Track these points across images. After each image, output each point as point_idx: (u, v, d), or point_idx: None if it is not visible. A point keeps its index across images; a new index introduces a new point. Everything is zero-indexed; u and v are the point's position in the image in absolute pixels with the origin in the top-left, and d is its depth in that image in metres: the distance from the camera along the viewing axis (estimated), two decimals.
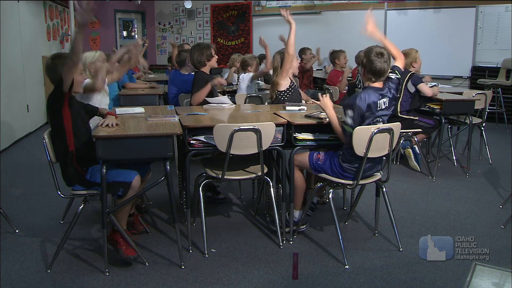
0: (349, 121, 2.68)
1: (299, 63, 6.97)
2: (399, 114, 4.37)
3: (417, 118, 4.42)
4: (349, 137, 2.69)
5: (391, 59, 2.74)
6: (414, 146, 4.59)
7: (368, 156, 2.66)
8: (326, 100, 2.86)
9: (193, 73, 4.64)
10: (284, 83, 3.62)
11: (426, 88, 4.36)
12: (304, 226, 3.11)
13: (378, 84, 2.75)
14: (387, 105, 2.75)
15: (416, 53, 4.45)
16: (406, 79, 4.35)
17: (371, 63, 2.68)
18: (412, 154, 4.62)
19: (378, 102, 2.70)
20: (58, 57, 2.59)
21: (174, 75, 4.60)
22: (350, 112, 2.67)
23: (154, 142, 2.53)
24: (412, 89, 4.37)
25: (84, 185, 2.62)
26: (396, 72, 2.86)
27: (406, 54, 4.42)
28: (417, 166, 4.59)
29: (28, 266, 2.66)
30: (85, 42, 10.98)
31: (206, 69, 3.77)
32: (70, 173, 2.60)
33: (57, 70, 2.51)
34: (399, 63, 2.93)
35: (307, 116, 3.01)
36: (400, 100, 4.38)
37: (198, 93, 3.64)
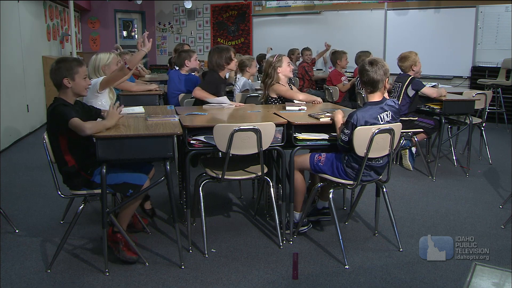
0: (344, 137, 2.70)
1: (302, 63, 7.06)
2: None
3: (416, 118, 4.42)
4: (342, 149, 2.74)
5: (386, 68, 2.72)
6: (413, 147, 4.59)
7: (369, 156, 2.66)
8: (336, 112, 2.90)
9: (193, 73, 4.64)
10: (273, 94, 3.68)
11: (430, 91, 4.34)
12: (305, 227, 3.10)
13: (378, 96, 2.75)
14: (390, 118, 2.75)
15: (416, 56, 4.41)
16: (406, 83, 4.34)
17: (363, 74, 2.71)
18: (407, 153, 4.63)
19: (379, 116, 2.70)
20: (62, 61, 2.62)
21: (173, 75, 4.58)
22: (346, 130, 2.69)
23: (154, 142, 2.53)
24: (411, 93, 4.35)
25: (90, 187, 2.63)
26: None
27: (405, 57, 4.41)
28: (410, 165, 4.60)
29: (28, 266, 2.66)
30: (85, 42, 10.98)
31: (223, 73, 3.78)
32: (75, 181, 2.61)
33: (60, 73, 2.55)
34: None
35: (310, 116, 3.01)
36: (399, 104, 4.37)
37: (205, 92, 3.60)
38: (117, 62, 3.50)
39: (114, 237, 2.67)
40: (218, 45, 3.92)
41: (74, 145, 2.58)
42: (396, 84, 4.48)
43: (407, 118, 4.38)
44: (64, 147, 2.56)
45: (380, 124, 2.69)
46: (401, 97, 4.37)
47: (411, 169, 4.60)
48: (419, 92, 4.36)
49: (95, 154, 2.46)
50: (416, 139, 4.45)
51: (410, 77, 4.35)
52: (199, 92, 3.63)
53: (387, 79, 2.73)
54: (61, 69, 2.55)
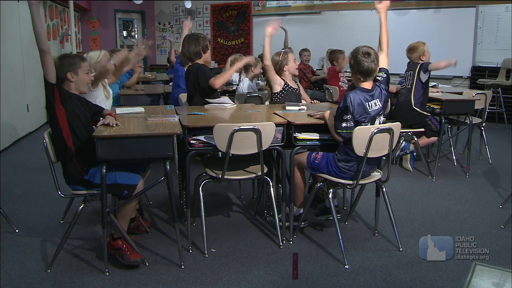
0: (348, 124, 2.66)
1: (300, 65, 7.06)
2: (414, 107, 4.33)
3: (429, 115, 4.41)
4: (345, 138, 2.70)
5: (378, 58, 2.73)
6: (413, 151, 4.59)
7: (369, 156, 2.65)
8: (325, 112, 2.90)
9: None
10: (277, 87, 3.65)
11: (435, 64, 4.25)
12: (305, 222, 3.11)
13: (368, 85, 2.75)
14: (379, 106, 2.75)
15: (424, 45, 4.42)
16: (417, 70, 4.32)
17: (358, 63, 2.70)
18: (409, 157, 4.62)
19: (366, 104, 2.69)
20: (65, 57, 2.70)
21: (182, 71, 4.51)
22: (347, 116, 2.66)
23: (154, 142, 2.53)
24: (424, 78, 4.30)
25: (83, 185, 2.63)
26: (383, 72, 2.85)
27: (413, 48, 4.43)
28: (410, 168, 4.61)
29: (28, 266, 2.66)
30: (85, 42, 10.91)
31: (201, 62, 3.63)
32: (70, 170, 2.61)
33: (64, 68, 2.62)
34: (384, 60, 2.88)
35: (309, 116, 3.01)
36: (413, 91, 4.35)
37: (223, 76, 3.55)
38: (107, 59, 3.53)
39: (115, 244, 2.66)
40: (193, 33, 3.78)
41: (74, 121, 2.58)
42: (407, 73, 4.46)
43: (421, 111, 4.35)
44: (63, 124, 2.56)
45: (368, 111, 2.69)
46: (414, 85, 4.33)
47: (411, 170, 4.60)
48: (429, 68, 4.28)
49: (94, 154, 2.47)
50: (416, 139, 4.46)
51: (420, 64, 4.34)
52: (219, 81, 3.49)
53: (378, 67, 2.75)
54: (64, 64, 2.62)
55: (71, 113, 2.59)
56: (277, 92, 3.68)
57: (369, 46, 2.78)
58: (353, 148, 2.65)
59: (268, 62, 3.63)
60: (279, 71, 3.67)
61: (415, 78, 4.34)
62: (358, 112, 2.66)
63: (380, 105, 2.75)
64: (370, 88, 2.75)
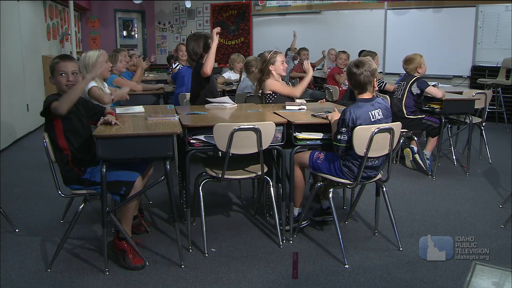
0: (342, 137, 2.66)
1: (298, 65, 7.06)
2: (406, 116, 4.37)
3: (423, 116, 4.42)
4: (341, 151, 2.70)
5: (374, 67, 2.72)
6: (414, 147, 4.59)
7: (369, 156, 2.66)
8: (333, 113, 2.89)
9: None
10: (267, 90, 3.66)
11: (435, 91, 4.35)
12: (305, 222, 3.11)
13: (367, 95, 2.76)
14: (382, 116, 2.75)
15: (421, 58, 4.41)
16: (410, 82, 4.36)
17: (351, 78, 2.73)
18: (410, 153, 4.63)
19: (371, 113, 2.70)
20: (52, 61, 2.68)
21: (187, 72, 4.51)
22: (343, 129, 2.67)
23: (154, 142, 2.53)
24: (416, 91, 4.35)
25: (82, 184, 2.62)
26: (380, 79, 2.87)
27: (410, 59, 4.42)
28: (414, 165, 4.61)
29: (28, 266, 2.66)
30: (85, 41, 10.91)
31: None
32: (67, 174, 2.61)
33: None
34: None
35: (313, 116, 3.01)
36: (403, 102, 4.38)
37: (206, 61, 3.45)
38: (106, 59, 3.49)
39: (120, 245, 2.66)
40: (196, 32, 3.76)
41: (70, 130, 2.59)
42: (401, 83, 4.49)
43: (415, 117, 4.38)
44: (59, 130, 2.57)
45: (372, 121, 2.69)
46: (405, 95, 4.37)
47: (415, 167, 4.59)
48: (424, 91, 4.35)
49: (92, 153, 2.46)
50: (416, 139, 4.47)
51: (416, 77, 4.36)
52: (206, 68, 3.42)
53: (375, 79, 2.74)
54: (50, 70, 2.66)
55: (67, 122, 2.58)
56: (268, 93, 3.67)
57: (369, 52, 2.78)
58: (355, 151, 2.64)
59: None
60: (265, 69, 3.63)
61: (407, 90, 4.38)
62: (361, 123, 2.65)
63: (382, 116, 2.75)
64: (370, 98, 2.76)
